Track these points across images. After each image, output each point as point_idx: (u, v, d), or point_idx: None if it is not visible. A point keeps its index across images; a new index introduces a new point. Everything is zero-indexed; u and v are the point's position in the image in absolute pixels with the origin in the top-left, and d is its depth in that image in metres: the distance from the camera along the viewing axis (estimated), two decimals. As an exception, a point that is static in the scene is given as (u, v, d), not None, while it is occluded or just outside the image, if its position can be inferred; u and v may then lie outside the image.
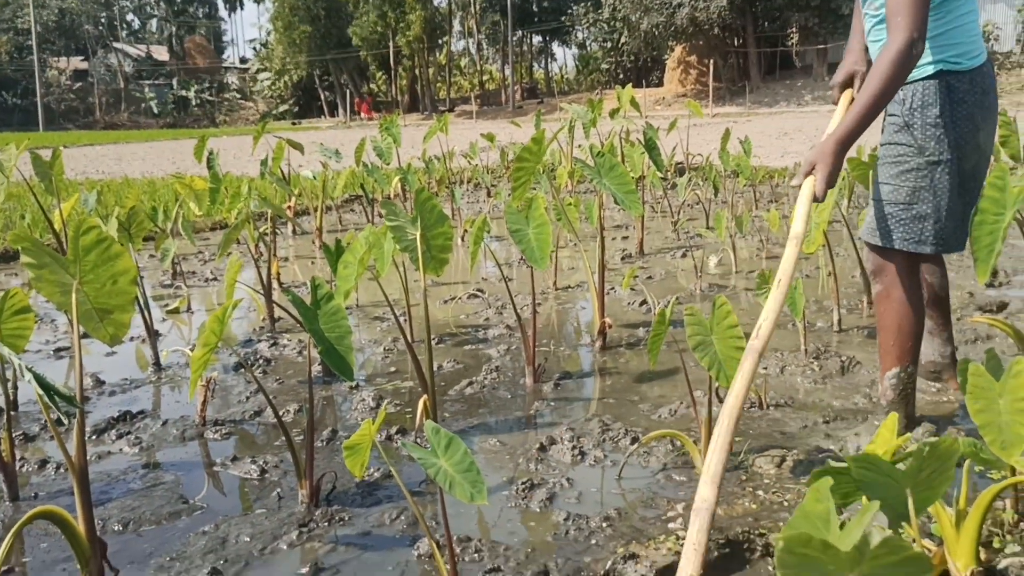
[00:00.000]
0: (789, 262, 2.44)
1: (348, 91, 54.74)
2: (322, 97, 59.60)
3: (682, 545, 2.25)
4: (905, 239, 2.83)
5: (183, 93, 66.97)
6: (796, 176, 2.65)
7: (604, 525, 2.44)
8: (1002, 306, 4.54)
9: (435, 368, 3.95)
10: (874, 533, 0.92)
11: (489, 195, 10.76)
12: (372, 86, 61.61)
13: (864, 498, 1.52)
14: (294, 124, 51.91)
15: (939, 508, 1.98)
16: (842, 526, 1.13)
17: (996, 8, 31.51)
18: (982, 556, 2.09)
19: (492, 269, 6.53)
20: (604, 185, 3.79)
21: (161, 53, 75.22)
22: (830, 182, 2.56)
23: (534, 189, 8.05)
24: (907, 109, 2.77)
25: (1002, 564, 2.10)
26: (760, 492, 2.62)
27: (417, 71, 55.13)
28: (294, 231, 8.71)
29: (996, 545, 2.21)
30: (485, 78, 65.11)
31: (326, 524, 2.49)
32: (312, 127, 46.62)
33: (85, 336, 4.61)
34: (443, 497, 1.78)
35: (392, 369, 4.02)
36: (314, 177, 8.96)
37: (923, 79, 2.74)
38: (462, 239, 7.82)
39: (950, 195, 2.76)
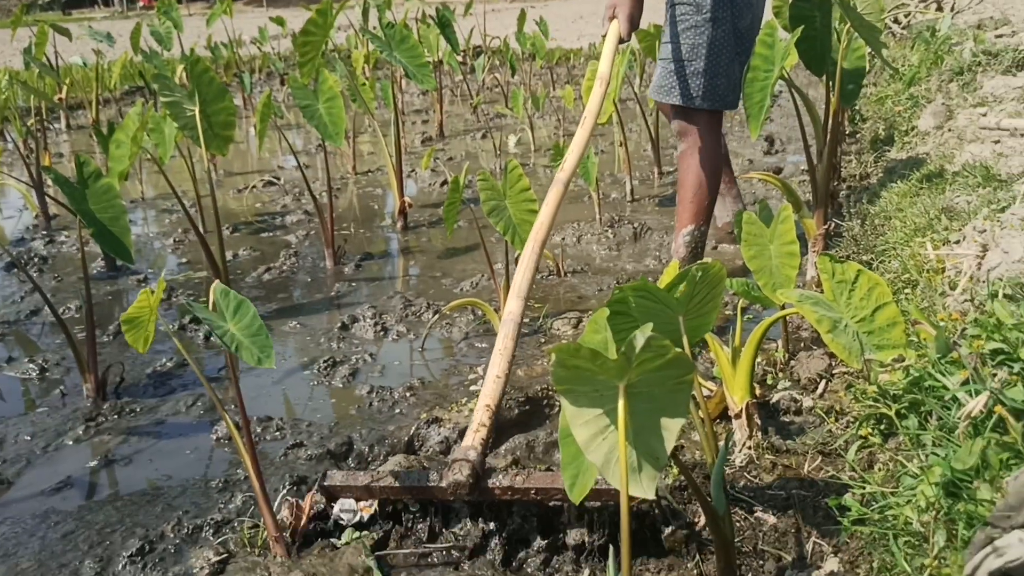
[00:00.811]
0: (595, 100, 2.54)
1: (123, -23, 50.38)
2: (94, -16, 54.62)
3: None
4: (684, 94, 2.91)
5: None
6: (602, 22, 2.74)
7: (408, 395, 2.45)
8: (778, 171, 4.82)
9: (231, 256, 3.81)
10: (638, 336, 0.95)
11: (282, 83, 10.31)
12: (149, -28, 56.97)
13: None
14: (65, 14, 47.40)
15: (717, 347, 2.10)
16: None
17: None
18: (758, 392, 2.25)
19: (291, 159, 6.30)
20: (395, 58, 3.68)
21: None
22: (632, 22, 2.67)
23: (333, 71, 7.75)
24: None
25: (775, 398, 2.27)
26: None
27: (199, -45, 51.34)
28: (68, 125, 8.04)
29: (770, 382, 2.38)
30: (274, -37, 61.54)
31: (115, 417, 2.38)
32: (85, 17, 42.73)
33: None
34: (235, 369, 1.72)
35: (183, 260, 3.84)
36: (85, 64, 8.25)
37: None
38: (255, 128, 7.47)
39: (725, 52, 2.85)
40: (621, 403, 1.03)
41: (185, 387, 2.56)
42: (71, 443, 2.25)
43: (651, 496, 1.08)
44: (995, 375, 1.39)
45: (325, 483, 1.77)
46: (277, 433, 2.25)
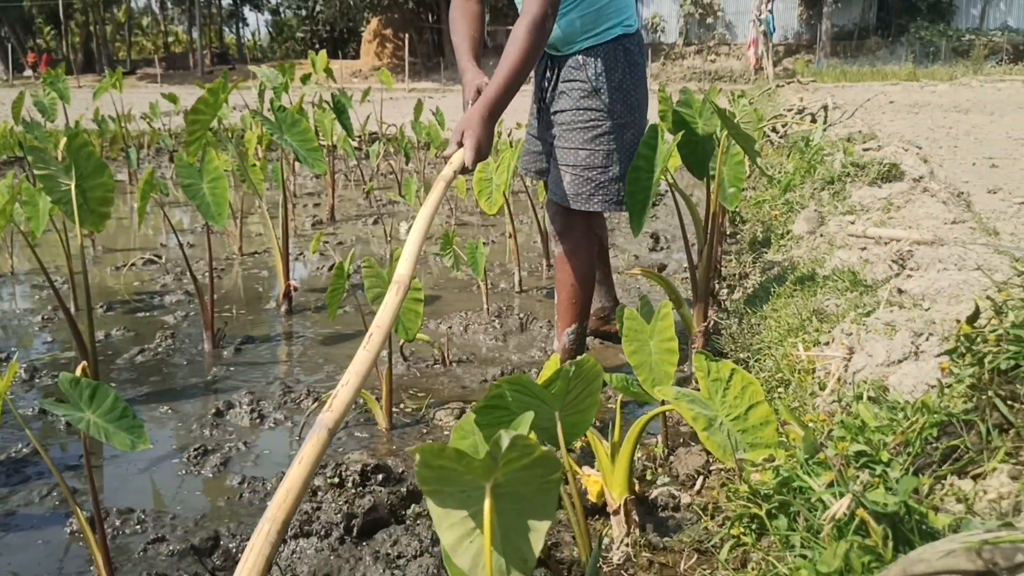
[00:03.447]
0: (388, 312, 1.79)
1: (10, 45, 49.13)
2: (-23, 50, 53.06)
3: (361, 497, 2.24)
4: (606, 200, 2.91)
5: None
6: (449, 145, 2.49)
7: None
8: (662, 267, 4.96)
9: (103, 336, 3.65)
10: (503, 436, 0.93)
11: (171, 160, 10.12)
12: (39, 41, 55.76)
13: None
14: (-57, 79, 45.76)
15: (596, 443, 2.11)
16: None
17: (662, 2, 34.33)
18: (637, 487, 2.26)
19: (175, 238, 6.14)
20: (286, 141, 3.66)
21: None
22: (479, 152, 2.45)
23: (224, 151, 7.65)
24: (593, 74, 2.82)
25: (653, 494, 2.28)
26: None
27: (92, 28, 50.59)
28: (-63, 194, 7.67)
29: (649, 477, 2.39)
30: (171, 39, 61.08)
31: (-40, 507, 2.21)
32: (-35, 84, 41.34)
33: None
34: (88, 457, 1.62)
35: (50, 339, 3.66)
36: (-40, 131, 7.94)
37: (606, 43, 2.83)
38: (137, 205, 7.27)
39: (631, 156, 2.90)
40: (487, 503, 1.01)
41: (40, 475, 2.41)
42: (-94, 536, 2.08)
43: (520, 600, 1.06)
44: (858, 477, 1.42)
45: None
46: (138, 527, 2.13)
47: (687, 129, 3.16)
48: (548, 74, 2.97)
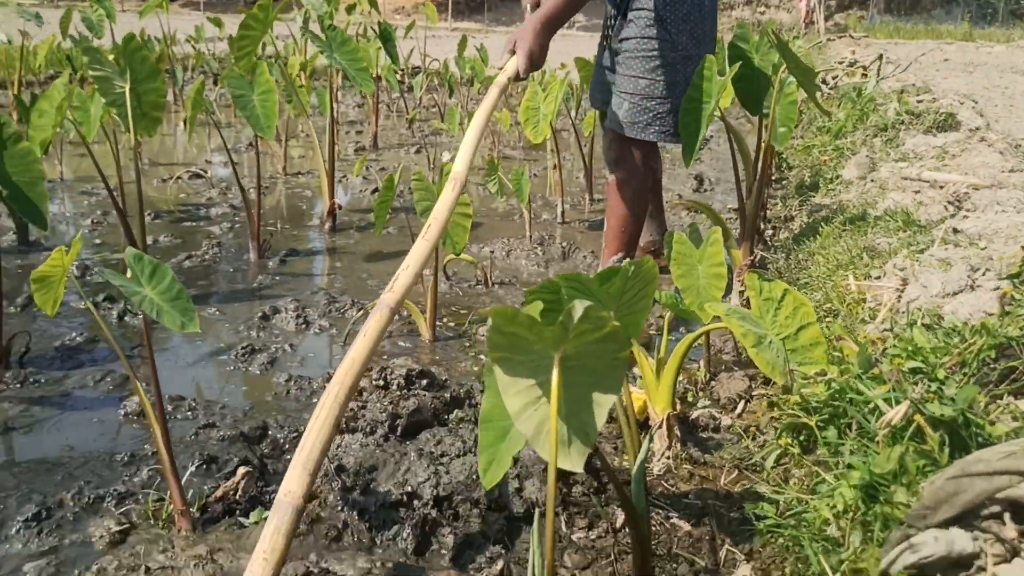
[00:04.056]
0: (445, 204, 1.98)
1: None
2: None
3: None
4: (662, 131, 2.89)
5: None
6: (502, 55, 2.51)
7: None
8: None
9: (151, 241, 3.70)
10: (576, 306, 0.94)
11: (215, 83, 10.13)
12: (85, -37, 55.59)
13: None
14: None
15: (641, 358, 2.12)
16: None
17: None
18: (678, 407, 2.28)
19: (217, 157, 6.18)
20: (335, 60, 3.66)
21: None
22: (532, 61, 2.46)
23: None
24: (660, 3, 2.78)
25: (694, 415, 2.30)
26: (482, 356, 2.68)
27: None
28: (-13, 102, 7.76)
29: (690, 399, 2.41)
30: (215, -33, 60.70)
31: (18, 386, 2.27)
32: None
33: None
34: (149, 339, 1.66)
35: (99, 242, 3.71)
36: (10, 42, 7.98)
37: None
38: (184, 123, 7.32)
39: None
40: (555, 373, 1.02)
41: (94, 362, 2.47)
42: (-33, 408, 2.14)
43: (579, 470, 1.08)
44: (915, 387, 1.42)
45: None
46: (189, 413, 2.18)
47: (744, 62, 3.11)
48: (617, 2, 2.94)
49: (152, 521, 1.69)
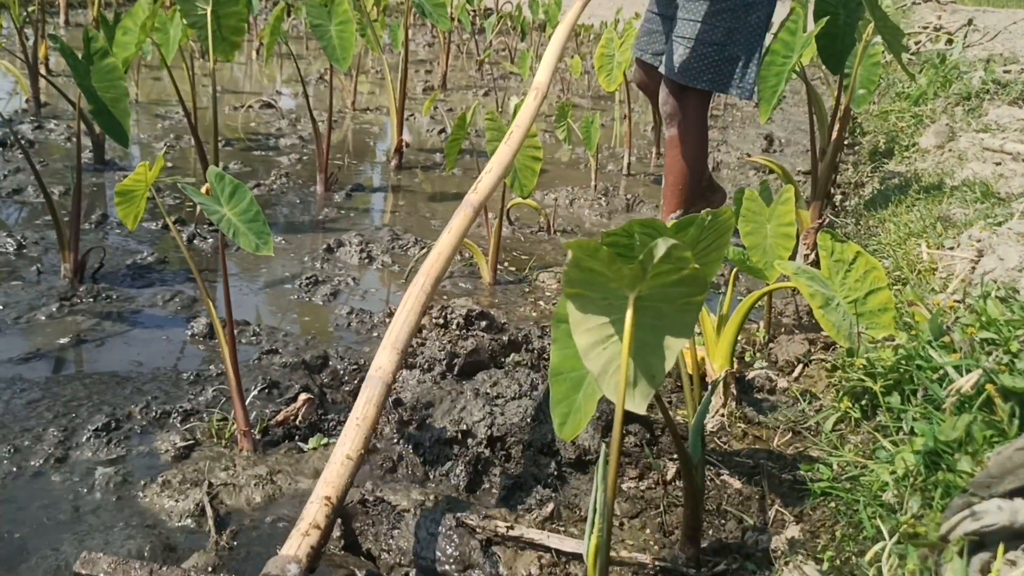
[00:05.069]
0: (527, 113, 2.13)
1: None
2: None
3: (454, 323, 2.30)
4: (715, 80, 2.81)
5: None
6: None
7: (388, 321, 2.42)
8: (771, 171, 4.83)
9: (221, 168, 3.75)
10: (659, 244, 0.93)
11: (289, 14, 10.15)
12: None
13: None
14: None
15: (704, 312, 2.10)
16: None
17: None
18: (735, 366, 2.26)
19: (286, 89, 6.22)
20: (414, -7, 3.64)
21: None
22: None
23: None
24: None
25: (751, 375, 2.28)
26: (541, 303, 2.69)
27: None
28: (66, 22, 7.88)
29: (747, 359, 2.39)
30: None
31: (91, 300, 2.34)
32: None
33: None
34: (224, 260, 1.69)
35: (171, 165, 3.77)
36: (92, -36, 8.06)
37: None
38: (257, 52, 7.38)
39: (761, 38, 2.79)
40: (629, 313, 1.02)
41: (163, 283, 2.53)
42: (43, 318, 2.21)
43: (642, 411, 1.08)
44: (987, 357, 1.40)
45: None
46: (253, 338, 2.23)
47: (829, 18, 3.02)
48: None
49: (215, 439, 1.74)
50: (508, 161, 1.93)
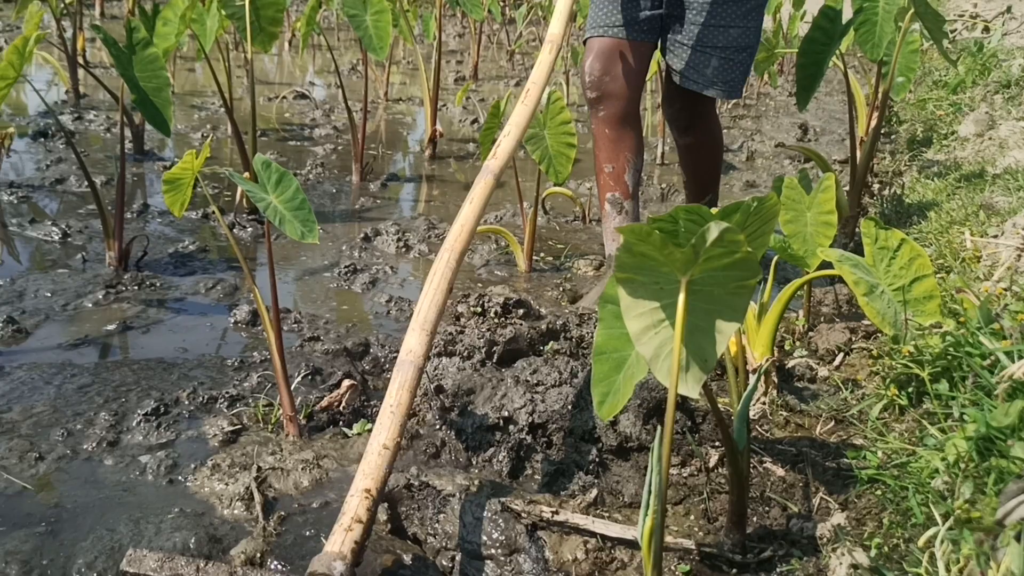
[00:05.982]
0: (543, 68, 2.00)
1: None
2: None
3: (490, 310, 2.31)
4: (743, 83, 2.60)
5: None
6: None
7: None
8: (807, 159, 4.80)
9: (256, 159, 3.78)
10: (712, 227, 0.93)
11: (321, 5, 10.21)
12: None
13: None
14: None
15: (746, 301, 2.09)
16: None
17: None
18: (776, 355, 2.25)
19: (320, 80, 6.25)
20: (449, -17, 3.64)
21: None
22: None
23: None
24: None
25: (791, 364, 2.27)
26: (576, 289, 2.69)
27: None
28: (102, 13, 7.96)
29: (788, 348, 2.38)
30: None
31: (135, 287, 2.37)
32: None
33: None
34: (270, 246, 1.71)
35: (208, 156, 3.80)
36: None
37: None
38: (289, 43, 7.41)
39: None
40: (681, 298, 1.02)
41: (205, 271, 2.56)
42: (90, 305, 2.24)
43: (694, 395, 1.08)
44: (1038, 346, 1.38)
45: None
46: (295, 326, 2.25)
47: (869, 3, 2.99)
48: None
49: (262, 424, 1.77)
50: (525, 122, 1.84)
